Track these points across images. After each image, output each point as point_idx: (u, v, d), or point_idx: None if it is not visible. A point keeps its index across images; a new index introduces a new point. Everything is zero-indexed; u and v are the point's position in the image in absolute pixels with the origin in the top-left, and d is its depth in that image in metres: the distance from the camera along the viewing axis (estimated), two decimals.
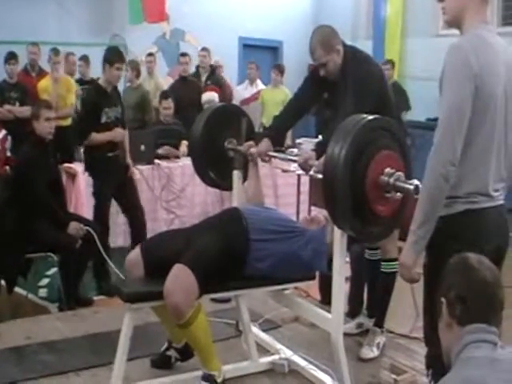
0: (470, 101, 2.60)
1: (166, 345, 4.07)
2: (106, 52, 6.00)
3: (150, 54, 9.85)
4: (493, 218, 2.74)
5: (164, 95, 7.87)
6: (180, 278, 3.42)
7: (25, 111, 7.87)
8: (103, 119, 5.78)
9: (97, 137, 5.76)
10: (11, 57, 8.15)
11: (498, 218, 2.77)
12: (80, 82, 8.99)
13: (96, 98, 5.87)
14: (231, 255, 3.62)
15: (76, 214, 5.92)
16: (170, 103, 7.68)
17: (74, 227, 5.15)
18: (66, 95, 8.34)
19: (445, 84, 2.66)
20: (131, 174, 6.17)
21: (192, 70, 9.52)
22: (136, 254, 3.77)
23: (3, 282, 5.19)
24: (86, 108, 5.96)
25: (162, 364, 4.03)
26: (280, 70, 9.85)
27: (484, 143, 2.68)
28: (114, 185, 5.91)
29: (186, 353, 4.02)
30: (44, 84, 8.30)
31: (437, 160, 2.61)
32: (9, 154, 7.04)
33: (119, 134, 5.88)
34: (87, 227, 5.24)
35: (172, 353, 4.04)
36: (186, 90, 8.57)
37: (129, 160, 6.13)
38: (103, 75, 5.94)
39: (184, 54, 9.33)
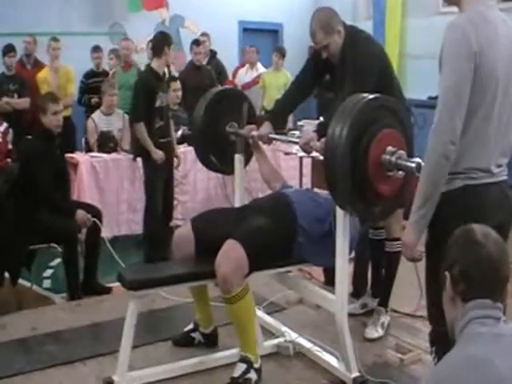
0: (469, 79, 2.58)
1: (191, 326, 4.15)
2: (161, 37, 6.14)
3: (126, 40, 9.63)
4: (494, 194, 2.72)
5: (174, 78, 7.71)
6: (230, 252, 3.50)
7: (23, 103, 7.89)
8: (157, 103, 5.94)
9: (142, 133, 5.92)
10: (10, 49, 8.12)
11: (500, 193, 2.74)
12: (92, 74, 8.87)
13: (151, 80, 5.99)
14: (280, 237, 3.71)
15: (84, 202, 5.91)
16: (178, 85, 7.52)
17: (80, 216, 5.13)
18: (66, 85, 8.31)
19: (444, 63, 2.64)
20: (177, 165, 6.47)
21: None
22: (187, 230, 3.87)
23: (7, 274, 5.19)
24: (140, 88, 6.03)
25: (185, 344, 4.12)
26: (281, 53, 9.78)
27: (483, 119, 2.66)
28: (165, 172, 6.09)
29: (211, 339, 4.12)
30: (43, 75, 8.27)
31: (437, 140, 2.60)
32: (10, 146, 7.00)
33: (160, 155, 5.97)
34: (94, 219, 5.25)
35: (197, 335, 4.12)
36: (198, 77, 8.44)
37: (177, 151, 6.43)
38: (157, 60, 6.03)
39: (198, 43, 8.92)
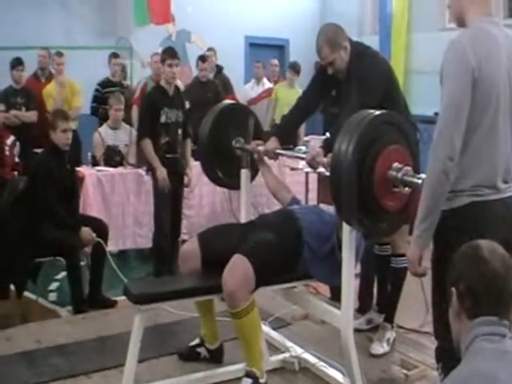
0: (468, 95, 2.60)
1: (197, 341, 4.15)
2: (161, 53, 6.30)
3: (157, 54, 9.66)
4: (498, 210, 2.72)
5: None
6: (237, 267, 3.50)
7: (31, 116, 7.90)
8: (162, 119, 5.95)
9: (147, 150, 5.94)
10: (18, 63, 8.12)
11: (504, 210, 2.74)
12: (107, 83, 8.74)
13: (156, 96, 6.04)
14: (286, 253, 3.72)
15: (90, 216, 5.94)
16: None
17: (86, 234, 5.17)
18: (71, 99, 8.32)
19: (444, 80, 2.67)
20: (187, 183, 6.37)
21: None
22: (193, 245, 3.87)
23: (12, 287, 5.19)
24: (146, 105, 6.13)
25: (190, 358, 4.12)
26: (295, 69, 9.72)
27: (487, 135, 2.67)
28: (173, 188, 6.04)
29: (217, 355, 4.12)
30: (49, 89, 8.27)
31: (436, 156, 2.63)
32: (17, 159, 7.03)
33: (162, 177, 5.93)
34: (99, 239, 5.28)
35: (202, 350, 4.12)
36: (203, 92, 8.47)
37: (188, 170, 6.32)
38: (163, 75, 6.14)
39: (204, 59, 8.93)
